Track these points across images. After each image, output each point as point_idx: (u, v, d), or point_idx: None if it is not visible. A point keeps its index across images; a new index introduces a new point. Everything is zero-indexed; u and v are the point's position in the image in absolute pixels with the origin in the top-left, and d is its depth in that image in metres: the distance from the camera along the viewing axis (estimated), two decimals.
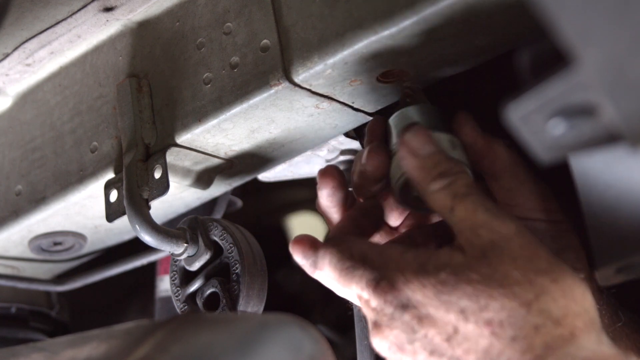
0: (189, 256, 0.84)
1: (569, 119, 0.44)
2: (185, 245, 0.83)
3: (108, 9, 0.86)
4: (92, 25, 0.88)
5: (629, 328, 0.72)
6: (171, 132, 0.82)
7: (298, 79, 0.74)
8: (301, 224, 1.86)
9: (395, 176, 0.70)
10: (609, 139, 0.44)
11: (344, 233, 0.70)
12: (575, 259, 0.70)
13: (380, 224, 0.74)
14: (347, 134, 0.89)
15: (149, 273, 1.22)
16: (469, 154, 0.70)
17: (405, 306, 0.62)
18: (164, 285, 1.18)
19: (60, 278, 1.10)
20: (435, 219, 0.76)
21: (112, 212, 0.85)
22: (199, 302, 0.84)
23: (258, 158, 0.87)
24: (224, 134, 0.81)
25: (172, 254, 0.84)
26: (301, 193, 1.72)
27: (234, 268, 0.82)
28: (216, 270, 0.83)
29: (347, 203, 0.74)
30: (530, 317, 0.58)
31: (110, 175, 0.87)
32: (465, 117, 0.71)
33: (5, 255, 1.02)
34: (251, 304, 0.82)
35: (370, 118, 0.82)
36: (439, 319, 0.60)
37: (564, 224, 0.71)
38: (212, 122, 0.80)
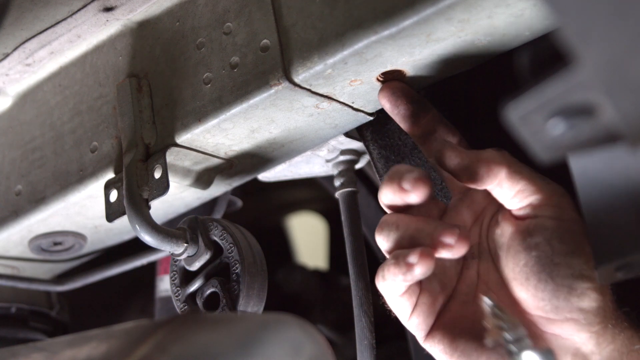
0: (189, 256, 0.84)
1: (569, 118, 0.44)
2: (185, 245, 0.83)
3: (108, 9, 0.86)
4: (92, 25, 0.88)
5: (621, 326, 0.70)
6: (171, 132, 0.82)
7: (298, 79, 0.74)
8: (301, 224, 1.86)
9: None
10: (609, 139, 0.44)
11: None
12: (584, 263, 0.65)
13: None
14: (347, 134, 0.89)
15: (149, 273, 1.22)
16: (461, 176, 0.68)
17: None
18: (164, 285, 1.18)
19: (60, 278, 1.10)
20: None
21: (112, 212, 0.85)
22: (199, 302, 0.84)
23: (258, 158, 0.87)
24: (224, 134, 0.82)
25: (172, 254, 0.84)
26: (301, 193, 1.72)
27: (234, 268, 0.82)
28: (216, 270, 0.83)
29: None
30: None
31: (110, 175, 0.87)
32: (442, 148, 0.69)
33: (5, 255, 1.02)
34: (251, 304, 0.82)
35: (370, 118, 0.82)
36: None
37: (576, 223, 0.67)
38: (212, 122, 0.80)
